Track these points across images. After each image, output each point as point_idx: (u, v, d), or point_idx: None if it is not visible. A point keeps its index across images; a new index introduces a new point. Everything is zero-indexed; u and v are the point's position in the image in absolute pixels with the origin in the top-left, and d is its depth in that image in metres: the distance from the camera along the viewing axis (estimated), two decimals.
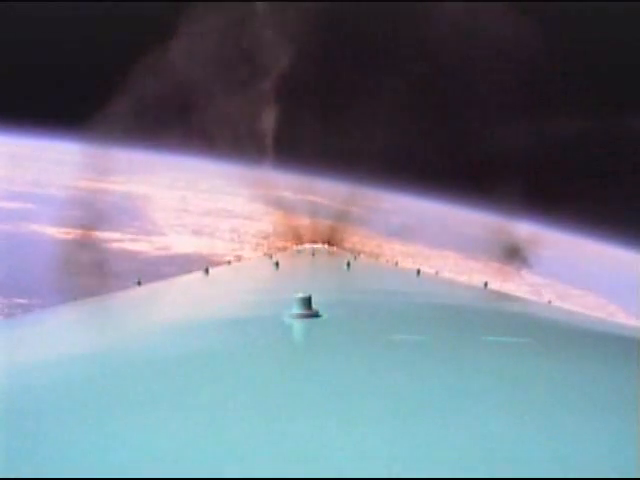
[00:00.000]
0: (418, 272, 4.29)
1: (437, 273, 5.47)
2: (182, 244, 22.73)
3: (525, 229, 15.26)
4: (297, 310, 1.65)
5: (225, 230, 24.72)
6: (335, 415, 0.86)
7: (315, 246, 9.96)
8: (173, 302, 2.73)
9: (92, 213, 22.15)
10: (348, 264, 4.47)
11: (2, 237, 18.65)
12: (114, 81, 13.09)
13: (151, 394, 0.99)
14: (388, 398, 0.94)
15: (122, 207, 25.00)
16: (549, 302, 3.66)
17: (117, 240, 22.58)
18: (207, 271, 3.89)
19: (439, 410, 0.89)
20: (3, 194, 21.83)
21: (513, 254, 14.17)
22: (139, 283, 3.37)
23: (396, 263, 6.83)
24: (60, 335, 1.79)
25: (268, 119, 14.07)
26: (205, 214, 26.69)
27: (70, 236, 20.94)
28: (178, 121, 14.17)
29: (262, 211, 16.72)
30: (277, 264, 4.26)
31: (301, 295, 1.67)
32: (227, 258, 6.26)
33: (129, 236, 23.11)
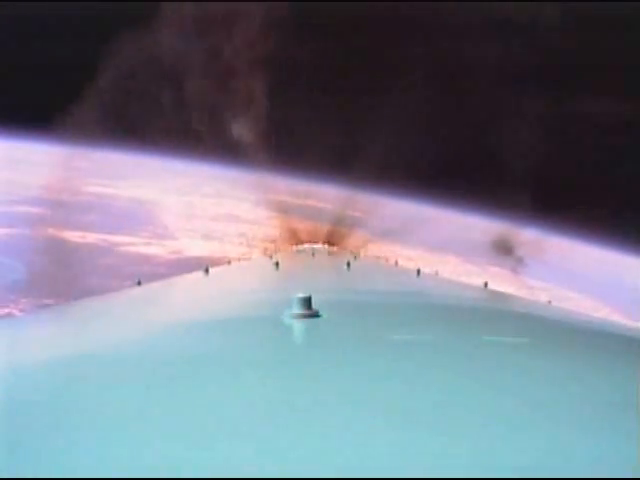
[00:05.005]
0: (418, 272, 4.28)
1: (437, 273, 5.47)
2: (194, 248, 23.03)
3: (523, 232, 15.34)
4: (297, 310, 1.64)
5: (233, 234, 24.96)
6: (335, 415, 0.86)
7: (315, 246, 9.94)
8: (173, 302, 2.73)
9: (105, 217, 22.42)
10: (348, 264, 4.47)
11: (22, 240, 18.97)
12: (115, 85, 13.12)
13: (150, 394, 0.99)
14: (388, 398, 0.94)
15: (133, 212, 25.40)
16: (549, 302, 3.67)
17: (131, 244, 22.92)
18: (207, 271, 3.89)
19: (439, 410, 0.89)
20: (19, 199, 22.16)
21: (508, 253, 14.25)
22: (139, 283, 3.37)
23: (396, 263, 6.82)
24: (59, 335, 1.79)
25: (267, 123, 14.11)
26: (213, 219, 26.97)
27: (86, 240, 21.22)
28: (178, 125, 14.22)
29: (267, 215, 16.86)
30: (277, 264, 4.26)
31: (301, 295, 1.67)
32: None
33: (142, 240, 23.45)
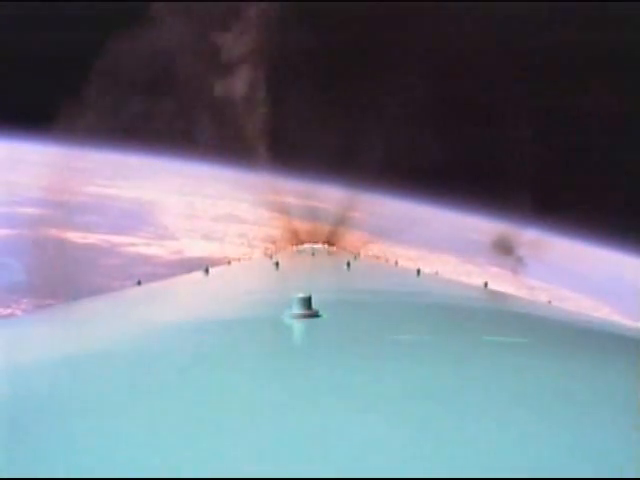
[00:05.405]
0: (418, 272, 4.28)
1: (437, 273, 5.48)
2: (194, 248, 23.15)
3: (523, 232, 15.35)
4: (297, 310, 1.64)
5: (234, 235, 25.07)
6: (335, 415, 0.86)
7: (315, 246, 9.95)
8: (173, 302, 2.73)
9: (106, 218, 22.48)
10: (348, 264, 4.47)
11: (24, 241, 19.05)
12: (116, 85, 13.12)
13: (150, 394, 0.99)
14: (388, 398, 0.94)
15: (134, 212, 25.49)
16: (549, 302, 3.67)
17: (132, 244, 23.01)
18: (207, 271, 3.89)
19: (439, 410, 0.89)
20: (21, 200, 22.25)
21: (508, 254, 14.27)
22: (139, 283, 3.38)
23: (396, 263, 6.82)
24: (59, 335, 1.79)
25: (268, 124, 14.12)
26: (214, 219, 27.09)
27: (87, 240, 21.27)
28: (179, 126, 14.23)
29: (267, 216, 16.97)
30: (277, 264, 4.26)
31: (301, 295, 1.67)
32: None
33: (143, 240, 23.56)
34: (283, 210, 14.97)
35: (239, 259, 6.93)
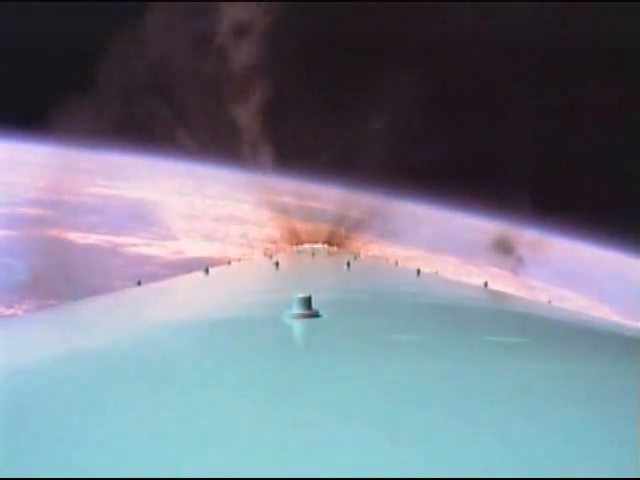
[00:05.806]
0: (418, 272, 4.28)
1: (437, 273, 5.48)
2: (195, 249, 23.22)
3: (523, 232, 15.37)
4: (297, 310, 1.64)
5: (235, 235, 25.16)
6: (335, 415, 0.86)
7: (315, 246, 9.95)
8: (172, 302, 2.73)
9: (107, 218, 22.53)
10: (348, 264, 4.47)
11: (25, 242, 19.05)
12: (116, 86, 13.14)
13: (149, 394, 0.99)
14: (388, 398, 0.94)
15: (135, 213, 25.54)
16: (549, 302, 3.67)
17: (133, 245, 23.05)
18: (207, 271, 3.90)
19: (439, 410, 0.89)
20: (22, 201, 22.28)
21: (508, 254, 14.29)
22: (139, 283, 3.38)
23: (396, 263, 6.81)
24: (59, 335, 1.79)
25: (269, 125, 14.13)
26: (214, 220, 27.16)
27: (88, 241, 21.32)
28: (179, 127, 14.25)
29: (267, 217, 16.99)
30: (277, 264, 4.27)
31: (301, 295, 1.67)
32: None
33: (144, 241, 23.60)
34: (283, 210, 14.99)
35: (239, 259, 6.93)
